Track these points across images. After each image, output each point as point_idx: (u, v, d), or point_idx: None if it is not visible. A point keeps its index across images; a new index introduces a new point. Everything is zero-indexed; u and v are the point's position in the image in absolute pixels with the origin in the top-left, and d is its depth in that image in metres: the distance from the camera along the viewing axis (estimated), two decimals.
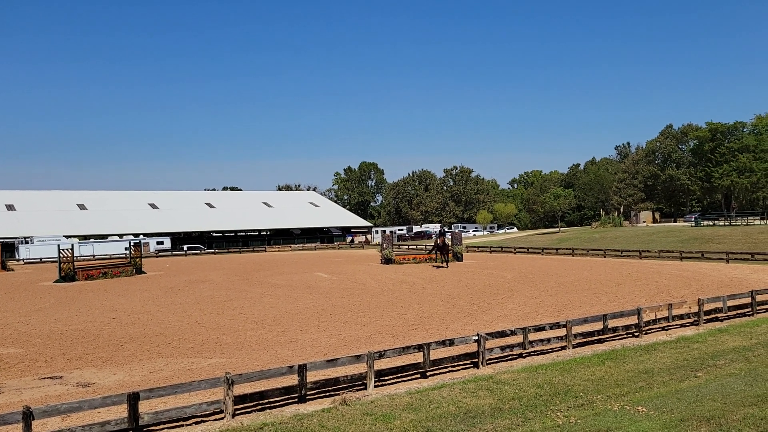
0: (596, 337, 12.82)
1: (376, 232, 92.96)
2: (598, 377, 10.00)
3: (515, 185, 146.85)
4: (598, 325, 13.05)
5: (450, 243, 37.24)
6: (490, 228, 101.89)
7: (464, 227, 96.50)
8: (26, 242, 62.47)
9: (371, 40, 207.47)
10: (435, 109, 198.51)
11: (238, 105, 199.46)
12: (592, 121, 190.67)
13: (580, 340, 12.47)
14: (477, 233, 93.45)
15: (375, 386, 9.65)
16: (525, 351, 11.70)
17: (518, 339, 11.72)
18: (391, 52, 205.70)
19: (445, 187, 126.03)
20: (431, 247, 37.39)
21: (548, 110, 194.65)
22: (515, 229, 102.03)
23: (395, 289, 23.69)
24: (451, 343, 10.79)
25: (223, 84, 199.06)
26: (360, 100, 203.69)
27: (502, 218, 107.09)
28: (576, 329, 12.52)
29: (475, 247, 51.62)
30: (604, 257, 38.91)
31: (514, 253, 46.67)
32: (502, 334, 11.56)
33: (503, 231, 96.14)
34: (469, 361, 11.00)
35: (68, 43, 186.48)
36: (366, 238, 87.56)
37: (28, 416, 6.94)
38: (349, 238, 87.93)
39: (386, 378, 10.07)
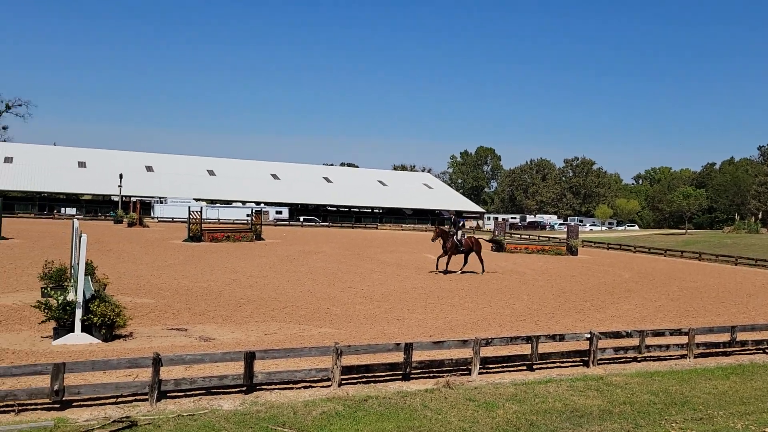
0: (721, 349, 11.98)
1: (488, 218, 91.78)
2: (720, 392, 9.36)
3: (640, 181, 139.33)
4: (725, 337, 12.18)
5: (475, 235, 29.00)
6: (609, 224, 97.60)
7: (581, 221, 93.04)
8: (161, 202, 67.37)
9: (501, 32, 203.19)
10: (557, 99, 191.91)
11: (361, 83, 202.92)
12: (734, 118, 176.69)
13: (703, 351, 11.71)
14: (594, 228, 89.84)
15: (479, 373, 9.59)
16: (640, 355, 11.16)
17: (634, 342, 11.19)
18: (516, 41, 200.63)
19: (563, 178, 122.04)
20: (446, 248, 23.47)
21: (683, 105, 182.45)
22: (636, 227, 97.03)
23: (505, 278, 23.33)
24: (562, 338, 10.50)
25: (351, 62, 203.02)
26: (481, 86, 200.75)
27: (622, 214, 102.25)
28: (699, 338, 11.76)
29: (591, 242, 49.69)
30: (735, 265, 36.16)
31: (633, 252, 44.45)
32: (616, 335, 11.09)
33: (623, 228, 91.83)
34: (578, 359, 10.66)
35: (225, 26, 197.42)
36: (477, 223, 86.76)
37: (157, 362, 7.52)
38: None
39: (491, 366, 9.98)
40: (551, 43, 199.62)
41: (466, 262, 24.27)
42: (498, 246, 37.31)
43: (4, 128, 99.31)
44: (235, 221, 58.54)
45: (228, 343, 10.81)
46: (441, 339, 10.35)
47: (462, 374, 9.55)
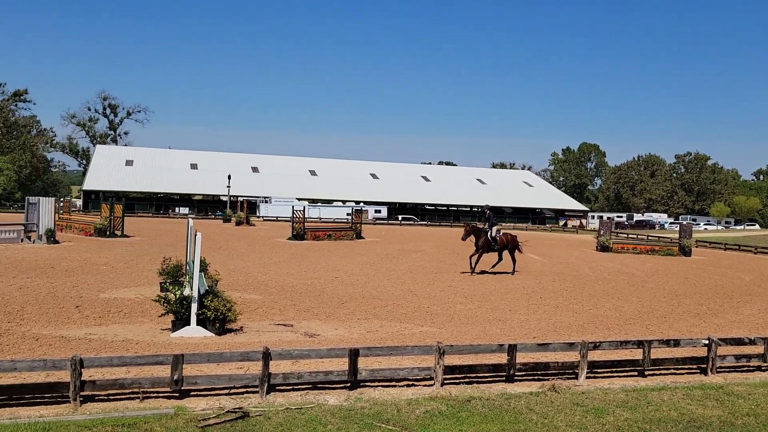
0: None
1: (592, 217, 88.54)
2: None
3: (761, 177, 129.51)
4: None
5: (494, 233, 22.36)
6: (726, 223, 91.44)
7: (694, 219, 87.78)
8: (265, 202, 70.00)
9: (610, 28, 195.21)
10: (666, 92, 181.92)
11: (459, 81, 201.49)
12: None
13: None
14: (709, 227, 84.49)
15: (587, 377, 9.26)
16: (765, 364, 10.37)
17: (758, 349, 10.41)
18: (621, 35, 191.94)
19: (674, 175, 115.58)
20: (478, 246, 21.77)
21: None
22: (756, 226, 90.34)
23: (611, 279, 22.41)
24: (676, 343, 9.94)
25: (450, 60, 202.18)
26: (583, 81, 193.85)
27: (741, 213, 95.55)
28: None
29: (705, 242, 46.75)
30: None
31: (755, 253, 41.38)
32: (737, 342, 10.37)
33: (741, 227, 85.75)
34: (695, 366, 10.05)
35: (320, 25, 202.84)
36: (581, 222, 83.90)
37: (267, 356, 7.81)
38: (562, 221, 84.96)
39: (599, 371, 9.60)
40: (660, 36, 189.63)
41: (500, 259, 22.74)
42: (603, 247, 35.91)
43: (125, 133, 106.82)
44: (336, 220, 59.85)
45: (332, 340, 11.06)
46: (546, 341, 10.09)
47: (568, 378, 9.26)
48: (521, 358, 9.31)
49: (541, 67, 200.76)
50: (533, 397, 8.40)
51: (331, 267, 22.49)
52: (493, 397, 8.32)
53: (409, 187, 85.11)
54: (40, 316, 11.97)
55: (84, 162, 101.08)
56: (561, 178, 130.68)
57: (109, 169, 75.65)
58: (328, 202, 74.72)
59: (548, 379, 9.11)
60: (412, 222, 72.78)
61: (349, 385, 8.35)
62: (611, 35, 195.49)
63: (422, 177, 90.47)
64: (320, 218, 62.28)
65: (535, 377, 9.22)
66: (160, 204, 74.90)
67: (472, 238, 21.87)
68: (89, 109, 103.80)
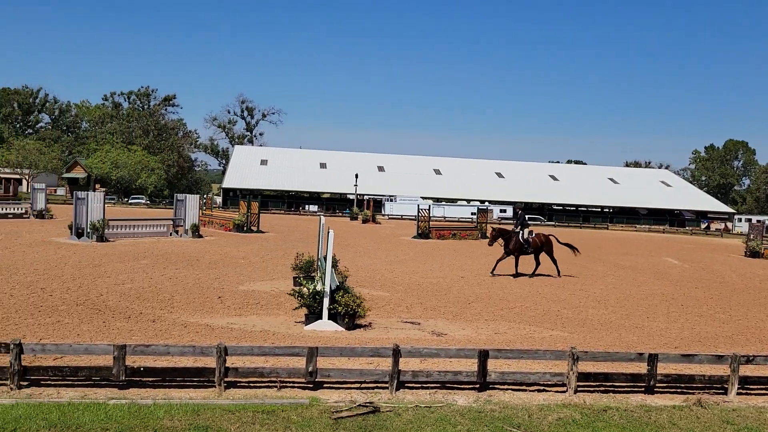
0: None
1: (739, 219, 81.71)
2: None
3: None
4: None
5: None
6: None
7: None
8: (390, 200, 71.08)
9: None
10: None
11: (588, 78, 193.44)
12: None
13: None
14: None
15: (737, 393, 8.53)
16: None
17: None
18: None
19: None
20: (509, 250, 20.06)
21: None
22: None
23: (763, 287, 20.52)
24: None
25: (576, 57, 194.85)
26: (728, 73, 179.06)
27: None
28: None
29: None
30: None
31: None
32: None
33: None
34: None
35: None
36: (725, 225, 77.67)
37: (396, 353, 7.90)
38: (704, 224, 79.08)
39: (752, 387, 8.81)
40: None
41: (537, 263, 20.73)
42: (753, 253, 32.97)
43: (260, 134, 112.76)
44: (460, 219, 59.56)
45: (459, 340, 10.99)
46: (691, 352, 9.41)
47: (715, 393, 8.58)
48: (662, 368, 8.75)
49: (679, 60, 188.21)
50: (676, 411, 7.86)
51: (457, 266, 22.39)
52: (631, 408, 7.89)
53: (536, 186, 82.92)
54: (188, 304, 12.91)
55: (223, 161, 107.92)
56: (703, 178, 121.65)
57: (246, 168, 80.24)
58: (452, 201, 74.51)
59: (693, 393, 8.49)
60: (538, 222, 70.88)
61: (478, 386, 8.26)
62: (753, 21, 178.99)
63: (550, 176, 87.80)
64: (444, 217, 62.25)
65: (678, 390, 8.63)
66: (292, 201, 78.35)
67: (501, 242, 20.21)
68: (229, 112, 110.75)
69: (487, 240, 19.39)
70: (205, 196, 53.89)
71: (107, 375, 7.52)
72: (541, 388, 8.49)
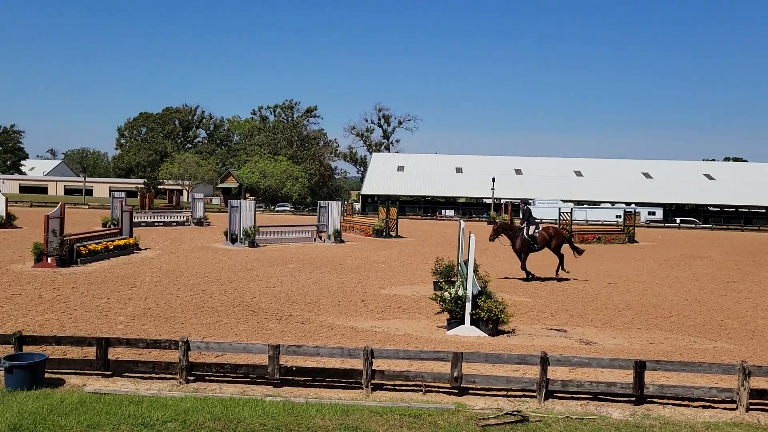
0: None
1: None
2: None
3: None
4: None
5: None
6: None
7: None
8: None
9: None
10: None
11: (746, 67, 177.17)
12: None
13: None
14: None
15: None
16: None
17: None
18: None
19: None
20: (516, 250, 18.67)
21: None
22: None
23: None
24: None
25: (730, 48, 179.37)
26: None
27: None
28: None
29: None
30: None
31: None
32: None
33: None
34: None
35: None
36: None
37: (544, 361, 7.62)
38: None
39: None
40: None
41: (560, 257, 18.61)
42: None
43: (397, 141, 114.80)
44: (604, 222, 56.81)
45: (610, 349, 10.41)
46: None
47: None
48: None
49: None
50: None
51: (603, 271, 21.32)
52: None
53: (689, 186, 77.06)
54: (333, 307, 13.35)
55: (362, 169, 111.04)
56: None
57: (383, 175, 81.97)
58: (595, 203, 71.25)
59: None
60: (692, 225, 65.85)
61: (633, 399, 7.75)
62: None
63: (705, 175, 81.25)
64: (587, 220, 59.68)
65: None
66: (428, 207, 78.88)
67: (505, 239, 18.58)
68: (366, 121, 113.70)
69: (489, 236, 18.16)
70: (345, 202, 55.74)
71: (263, 373, 7.93)
72: (707, 404, 7.80)
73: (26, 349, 8.08)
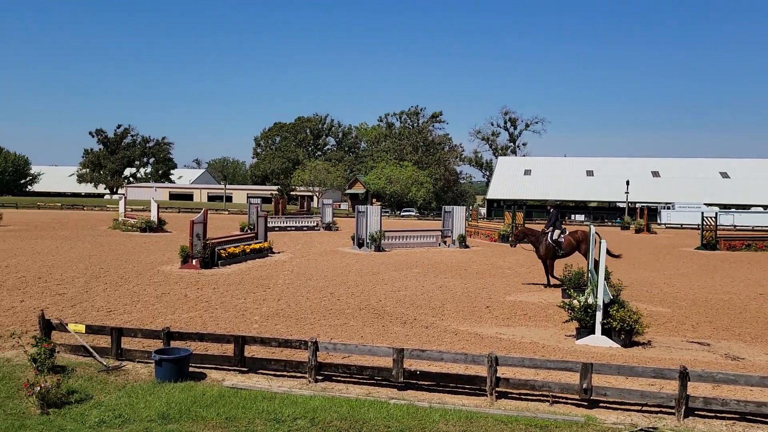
0: None
1: None
2: None
3: None
4: None
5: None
6: None
7: None
8: (667, 208, 65.17)
9: None
10: None
11: None
12: None
13: None
14: None
15: None
16: None
17: None
18: None
19: None
20: (540, 256, 17.44)
21: None
22: None
23: None
24: None
25: None
26: None
27: None
28: None
29: None
30: None
31: None
32: None
33: None
34: None
35: None
36: None
37: (684, 376, 7.12)
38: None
39: None
40: None
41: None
42: None
43: (523, 144, 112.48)
44: (755, 228, 52.17)
45: (762, 366, 9.52)
46: None
47: None
48: None
49: None
50: None
51: (753, 281, 19.56)
52: None
53: None
54: (457, 313, 13.29)
55: (487, 173, 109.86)
56: None
57: (510, 179, 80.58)
58: (744, 207, 65.58)
59: None
60: None
61: None
62: None
63: None
64: (734, 225, 55.03)
65: None
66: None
67: (527, 244, 17.06)
68: (492, 125, 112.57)
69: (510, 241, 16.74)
70: (470, 207, 55.37)
71: (387, 375, 8.06)
72: None
73: (173, 344, 8.76)
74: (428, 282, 17.61)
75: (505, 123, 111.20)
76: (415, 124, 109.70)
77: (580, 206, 79.32)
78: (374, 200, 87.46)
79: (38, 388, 6.91)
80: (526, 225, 19.09)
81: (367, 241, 26.51)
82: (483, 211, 76.48)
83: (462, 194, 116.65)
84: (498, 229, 35.11)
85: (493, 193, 78.37)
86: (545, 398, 7.72)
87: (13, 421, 6.61)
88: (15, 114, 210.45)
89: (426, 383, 8.08)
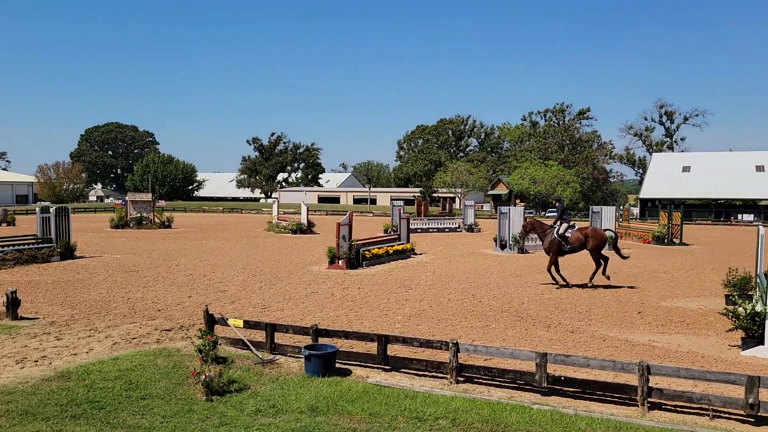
0: None
1: None
2: None
3: None
4: None
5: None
6: None
7: None
8: None
9: None
10: None
11: None
12: None
13: None
14: None
15: None
16: None
17: None
18: None
19: None
20: (545, 250, 16.89)
21: None
22: None
23: None
24: None
25: None
26: None
27: None
28: None
29: None
30: None
31: None
32: None
33: None
34: None
35: None
36: None
37: None
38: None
39: None
40: None
41: (597, 265, 16.51)
42: None
43: (681, 139, 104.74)
44: None
45: None
46: None
47: None
48: None
49: None
50: None
51: None
52: None
53: None
54: (606, 318, 12.69)
55: (640, 171, 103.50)
56: None
57: (665, 177, 75.31)
58: None
59: None
60: None
61: None
62: None
63: None
64: None
65: None
66: (720, 211, 70.27)
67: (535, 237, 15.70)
68: (646, 119, 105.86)
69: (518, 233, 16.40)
70: (621, 207, 52.50)
71: (530, 380, 7.90)
72: None
73: (321, 340, 9.21)
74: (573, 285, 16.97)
75: (661, 117, 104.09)
76: (561, 122, 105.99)
77: (749, 205, 72.24)
78: (517, 201, 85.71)
79: (203, 377, 7.58)
80: (534, 218, 18.75)
81: (510, 242, 26.07)
82: (635, 211, 72.21)
83: (612, 194, 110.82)
84: (652, 230, 32.99)
85: (646, 192, 73.65)
86: (704, 412, 7.18)
87: (182, 405, 7.30)
88: (182, 126, 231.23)
89: (571, 390, 7.82)
